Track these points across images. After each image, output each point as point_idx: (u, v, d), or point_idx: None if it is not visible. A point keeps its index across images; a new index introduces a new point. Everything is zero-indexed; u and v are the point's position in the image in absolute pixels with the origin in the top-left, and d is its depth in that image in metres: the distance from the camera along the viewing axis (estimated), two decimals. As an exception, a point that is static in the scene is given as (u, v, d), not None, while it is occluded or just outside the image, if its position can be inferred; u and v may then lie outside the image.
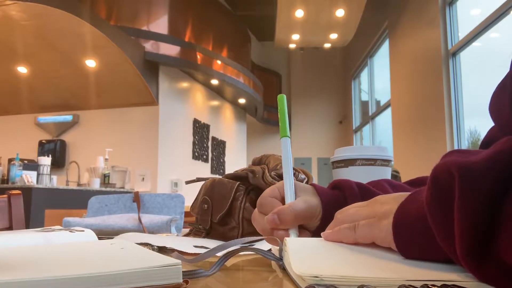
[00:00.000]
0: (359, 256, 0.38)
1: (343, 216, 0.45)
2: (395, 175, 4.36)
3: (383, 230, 0.38)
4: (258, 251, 0.43)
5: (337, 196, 0.55)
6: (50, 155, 4.58)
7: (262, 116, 9.74)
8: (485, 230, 0.27)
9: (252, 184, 0.73)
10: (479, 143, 0.48)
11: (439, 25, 5.23)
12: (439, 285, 0.28)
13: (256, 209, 0.56)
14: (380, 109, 8.10)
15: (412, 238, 0.36)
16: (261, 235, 0.57)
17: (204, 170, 6.98)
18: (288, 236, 0.50)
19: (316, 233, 0.53)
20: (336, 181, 0.56)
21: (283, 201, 0.54)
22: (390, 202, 0.41)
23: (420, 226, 0.35)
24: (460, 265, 0.30)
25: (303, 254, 0.37)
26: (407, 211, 0.37)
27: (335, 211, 0.50)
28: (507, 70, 0.41)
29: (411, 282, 0.29)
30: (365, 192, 0.54)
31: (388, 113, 7.44)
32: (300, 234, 0.51)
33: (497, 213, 0.27)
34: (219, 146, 7.67)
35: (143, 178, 5.59)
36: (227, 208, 0.71)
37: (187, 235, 0.83)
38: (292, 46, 8.84)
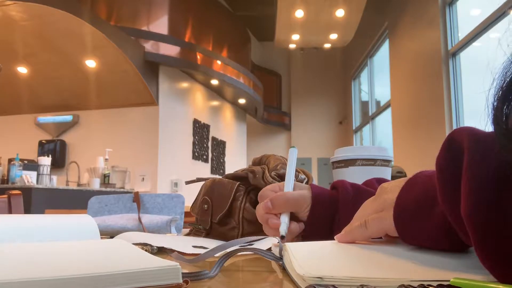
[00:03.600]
0: (360, 257, 0.38)
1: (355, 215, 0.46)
2: (400, 176, 4.34)
3: (391, 220, 0.39)
4: (257, 251, 0.43)
5: (331, 194, 0.57)
6: (50, 155, 4.58)
7: (262, 116, 9.74)
8: (493, 188, 0.28)
9: (252, 184, 0.73)
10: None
11: (439, 25, 5.23)
12: (435, 285, 0.28)
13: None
14: (380, 109, 8.10)
15: (411, 221, 0.37)
16: (261, 235, 0.58)
17: (204, 170, 6.98)
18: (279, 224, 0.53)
19: (306, 227, 0.55)
20: (335, 181, 0.58)
21: None
22: (394, 190, 0.42)
23: (419, 209, 0.37)
24: (460, 230, 0.31)
25: (304, 255, 0.37)
26: (406, 197, 0.39)
27: (326, 205, 0.54)
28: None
29: (410, 282, 0.29)
30: (358, 191, 0.56)
31: (388, 113, 7.44)
32: (291, 224, 0.54)
33: (505, 174, 0.28)
34: (219, 146, 7.67)
35: (143, 178, 5.59)
36: (227, 208, 0.71)
37: (187, 235, 0.83)
38: (292, 46, 8.84)
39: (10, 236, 0.49)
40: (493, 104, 0.28)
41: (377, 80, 8.68)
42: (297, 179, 0.72)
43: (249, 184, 0.73)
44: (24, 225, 0.51)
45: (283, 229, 0.51)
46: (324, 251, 0.41)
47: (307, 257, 0.37)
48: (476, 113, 4.90)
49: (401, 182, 0.42)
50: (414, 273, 0.31)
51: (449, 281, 0.28)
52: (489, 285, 0.26)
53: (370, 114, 8.80)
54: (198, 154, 6.81)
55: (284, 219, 0.53)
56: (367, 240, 0.43)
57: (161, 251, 0.54)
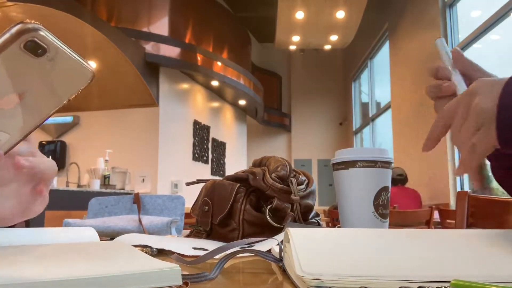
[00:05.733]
0: (362, 253, 0.37)
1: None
2: (400, 179, 4.35)
3: (495, 134, 0.37)
4: (258, 252, 0.43)
5: None
6: (50, 156, 4.58)
7: (263, 118, 9.74)
8: None
9: (252, 186, 0.73)
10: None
11: (439, 26, 5.23)
12: (434, 286, 0.28)
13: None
14: (380, 111, 8.10)
15: None
16: (261, 237, 0.57)
17: (204, 171, 6.98)
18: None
19: None
20: None
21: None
22: (488, 95, 0.39)
23: None
24: None
25: (306, 251, 0.37)
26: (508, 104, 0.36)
27: None
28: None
29: (410, 284, 0.29)
30: None
31: (388, 114, 7.44)
32: None
33: None
34: (219, 147, 7.67)
35: (143, 180, 5.58)
36: (227, 210, 0.71)
37: (187, 236, 0.82)
38: (292, 47, 8.84)
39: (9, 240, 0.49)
40: None
41: (377, 82, 8.67)
42: (297, 180, 0.72)
43: (249, 185, 0.73)
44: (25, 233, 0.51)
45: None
46: (327, 244, 0.40)
47: (309, 253, 0.36)
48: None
49: (494, 86, 0.39)
50: (414, 272, 0.31)
51: (448, 282, 0.28)
52: (489, 287, 0.26)
53: (370, 115, 8.79)
54: (198, 155, 6.81)
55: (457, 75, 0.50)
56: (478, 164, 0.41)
57: (161, 253, 0.54)
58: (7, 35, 0.27)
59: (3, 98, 0.30)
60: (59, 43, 0.30)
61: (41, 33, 0.29)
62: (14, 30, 0.27)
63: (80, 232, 0.57)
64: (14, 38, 0.28)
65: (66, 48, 0.31)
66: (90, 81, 0.33)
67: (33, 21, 0.28)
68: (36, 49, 0.29)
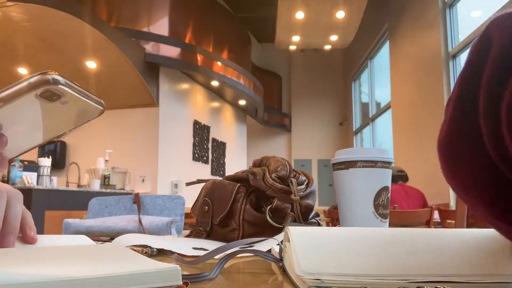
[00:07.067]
0: (362, 252, 0.37)
1: None
2: (401, 175, 4.34)
3: None
4: (258, 252, 0.43)
5: None
6: (50, 156, 4.57)
7: (263, 118, 9.74)
8: None
9: (252, 186, 0.73)
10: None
11: (439, 27, 5.23)
12: (433, 286, 0.28)
13: None
14: (381, 111, 8.10)
15: None
16: (261, 237, 0.58)
17: (204, 171, 6.98)
18: None
19: None
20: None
21: None
22: None
23: None
24: None
25: (306, 250, 0.36)
26: None
27: None
28: None
29: (409, 284, 0.29)
30: None
31: (388, 114, 7.44)
32: None
33: None
34: (219, 147, 7.67)
35: (143, 180, 5.58)
36: (227, 210, 0.71)
37: (187, 236, 0.82)
38: (292, 47, 8.85)
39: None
40: None
41: (377, 82, 8.68)
42: (297, 180, 0.72)
43: (249, 185, 0.73)
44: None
45: None
46: (326, 241, 0.39)
47: (309, 253, 0.36)
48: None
49: None
50: (414, 272, 0.31)
51: (447, 282, 0.28)
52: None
53: (370, 115, 8.80)
54: (198, 155, 6.81)
55: None
56: None
57: (161, 253, 0.54)
58: (24, 84, 0.28)
59: (11, 128, 0.32)
60: (74, 89, 0.31)
61: (59, 86, 0.29)
62: (32, 80, 0.28)
63: (73, 239, 0.57)
64: (32, 88, 0.28)
65: (80, 92, 0.31)
66: (99, 115, 0.35)
67: (54, 72, 0.29)
68: (51, 96, 0.30)
